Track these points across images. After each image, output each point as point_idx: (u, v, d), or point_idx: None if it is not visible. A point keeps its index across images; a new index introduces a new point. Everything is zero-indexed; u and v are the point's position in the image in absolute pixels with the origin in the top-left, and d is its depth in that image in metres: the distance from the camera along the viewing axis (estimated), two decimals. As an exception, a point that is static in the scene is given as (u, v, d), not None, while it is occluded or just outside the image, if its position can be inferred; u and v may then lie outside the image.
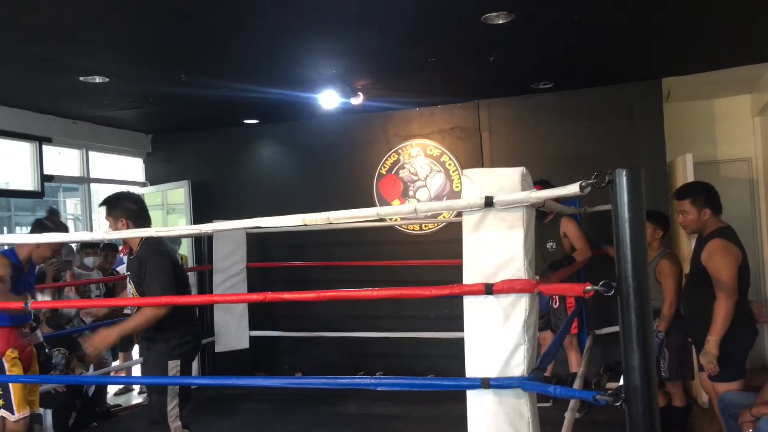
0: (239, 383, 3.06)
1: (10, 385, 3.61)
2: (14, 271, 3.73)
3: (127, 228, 3.52)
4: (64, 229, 3.91)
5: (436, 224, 6.44)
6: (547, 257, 4.93)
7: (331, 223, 2.46)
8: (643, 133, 5.83)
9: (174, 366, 3.50)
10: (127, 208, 3.56)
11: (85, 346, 3.47)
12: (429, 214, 6.38)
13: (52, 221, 3.81)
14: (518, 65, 5.20)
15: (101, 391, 5.73)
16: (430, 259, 5.99)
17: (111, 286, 5.98)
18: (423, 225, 6.50)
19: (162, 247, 3.54)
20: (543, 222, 4.94)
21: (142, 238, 3.51)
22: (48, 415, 5.05)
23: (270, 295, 2.54)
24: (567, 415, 2.93)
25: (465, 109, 6.46)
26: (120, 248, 6.47)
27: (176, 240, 7.12)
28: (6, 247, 3.87)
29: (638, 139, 5.82)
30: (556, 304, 4.90)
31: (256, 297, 2.61)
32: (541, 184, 4.52)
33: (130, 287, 3.57)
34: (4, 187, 6.53)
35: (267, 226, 2.55)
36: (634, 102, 5.89)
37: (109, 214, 3.55)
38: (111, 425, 5.41)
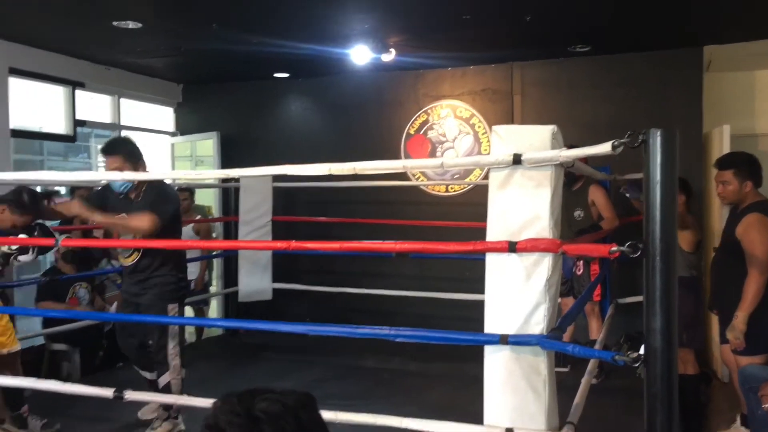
0: (260, 327, 3.12)
1: None
2: None
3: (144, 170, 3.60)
4: (35, 207, 3.58)
5: (462, 186, 6.40)
6: (574, 225, 4.87)
7: (356, 174, 2.46)
8: (680, 102, 5.68)
9: (173, 308, 3.61)
10: (140, 151, 3.61)
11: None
12: (456, 174, 6.35)
13: (29, 199, 3.53)
14: (555, 26, 5.07)
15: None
16: (456, 221, 5.95)
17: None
18: (449, 187, 6.47)
19: (172, 192, 3.66)
20: (571, 189, 4.87)
21: (145, 184, 3.55)
22: (76, 354, 5.21)
23: (294, 244, 2.56)
24: (584, 379, 2.93)
25: (498, 71, 6.34)
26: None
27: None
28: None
29: (675, 109, 5.68)
30: (579, 270, 4.87)
31: (280, 245, 2.64)
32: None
33: (132, 235, 3.59)
34: (37, 130, 6.63)
35: (293, 174, 2.56)
36: (673, 70, 5.73)
37: (128, 160, 3.51)
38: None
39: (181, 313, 3.74)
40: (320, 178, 5.70)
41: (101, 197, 3.71)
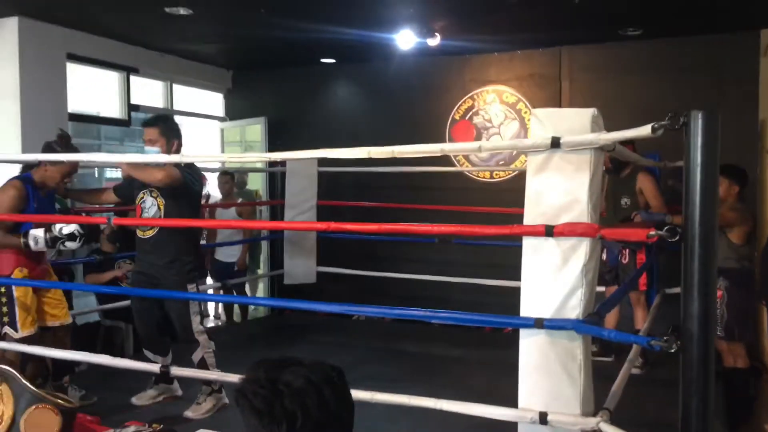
0: (301, 306, 3.19)
1: (16, 303, 3.57)
2: (29, 198, 3.61)
3: (177, 151, 3.69)
4: (73, 151, 3.78)
5: (507, 172, 6.35)
6: (620, 213, 4.78)
7: (395, 157, 2.48)
8: (735, 88, 5.49)
9: (192, 288, 3.73)
10: (178, 131, 3.75)
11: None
12: (501, 160, 6.30)
13: (61, 144, 3.71)
14: (606, 8, 4.96)
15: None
16: (501, 207, 5.90)
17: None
18: (494, 173, 6.42)
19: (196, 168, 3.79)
20: (619, 176, 4.79)
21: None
22: (129, 330, 5.40)
23: (333, 225, 2.61)
24: (624, 366, 2.89)
25: (545, 56, 6.25)
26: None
27: (243, 181, 7.24)
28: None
29: (730, 95, 5.49)
30: (625, 259, 4.77)
31: (320, 225, 2.70)
32: None
33: (155, 208, 3.70)
34: (95, 114, 6.87)
35: (333, 157, 2.59)
36: (729, 55, 5.54)
37: (163, 134, 3.67)
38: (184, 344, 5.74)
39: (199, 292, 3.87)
40: (366, 164, 5.78)
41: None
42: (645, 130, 1.95)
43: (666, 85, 5.74)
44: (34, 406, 1.94)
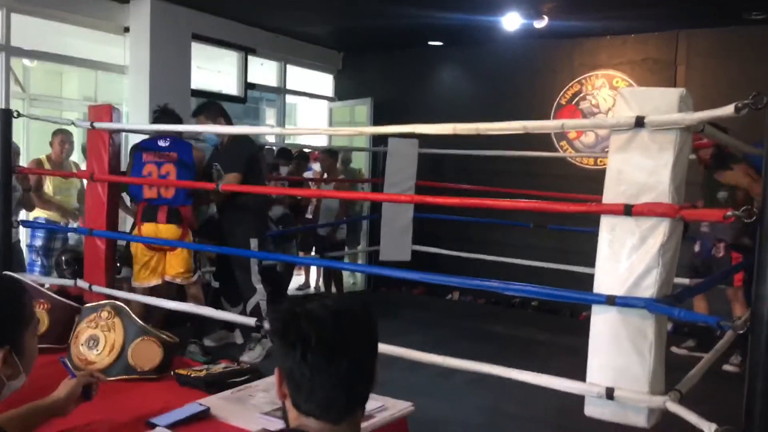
0: (374, 272, 3.34)
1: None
2: None
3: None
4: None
5: (612, 160, 6.15)
6: (717, 207, 4.54)
7: (479, 133, 2.56)
8: None
9: (254, 243, 4.13)
10: (218, 108, 4.17)
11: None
12: (607, 148, 6.14)
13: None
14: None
15: (282, 281, 6.35)
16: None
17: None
18: (598, 160, 6.27)
19: (247, 142, 4.17)
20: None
21: (227, 137, 4.10)
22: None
23: (416, 197, 2.73)
24: (707, 355, 2.80)
25: (661, 40, 6.00)
26: (311, 154, 7.05)
27: (348, 158, 7.46)
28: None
29: None
30: (720, 252, 4.54)
31: (403, 198, 2.81)
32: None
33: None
34: (216, 91, 7.34)
35: (420, 132, 2.70)
36: None
37: (207, 117, 4.08)
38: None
39: (264, 247, 4.32)
40: (467, 146, 5.85)
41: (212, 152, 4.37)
42: (728, 110, 1.92)
43: (793, 72, 5.36)
44: (140, 338, 2.21)
